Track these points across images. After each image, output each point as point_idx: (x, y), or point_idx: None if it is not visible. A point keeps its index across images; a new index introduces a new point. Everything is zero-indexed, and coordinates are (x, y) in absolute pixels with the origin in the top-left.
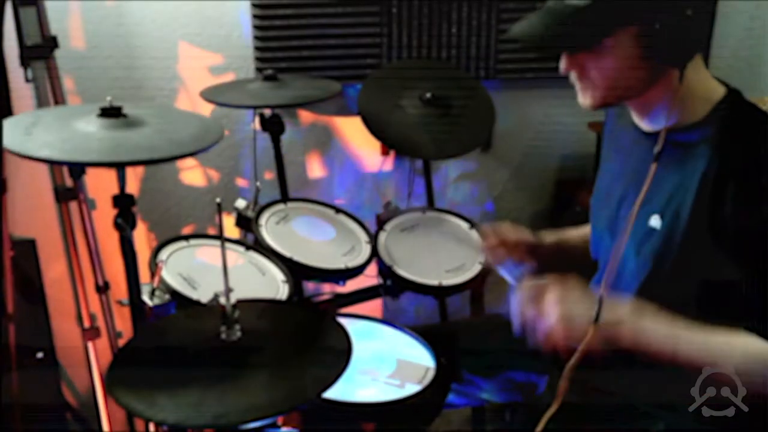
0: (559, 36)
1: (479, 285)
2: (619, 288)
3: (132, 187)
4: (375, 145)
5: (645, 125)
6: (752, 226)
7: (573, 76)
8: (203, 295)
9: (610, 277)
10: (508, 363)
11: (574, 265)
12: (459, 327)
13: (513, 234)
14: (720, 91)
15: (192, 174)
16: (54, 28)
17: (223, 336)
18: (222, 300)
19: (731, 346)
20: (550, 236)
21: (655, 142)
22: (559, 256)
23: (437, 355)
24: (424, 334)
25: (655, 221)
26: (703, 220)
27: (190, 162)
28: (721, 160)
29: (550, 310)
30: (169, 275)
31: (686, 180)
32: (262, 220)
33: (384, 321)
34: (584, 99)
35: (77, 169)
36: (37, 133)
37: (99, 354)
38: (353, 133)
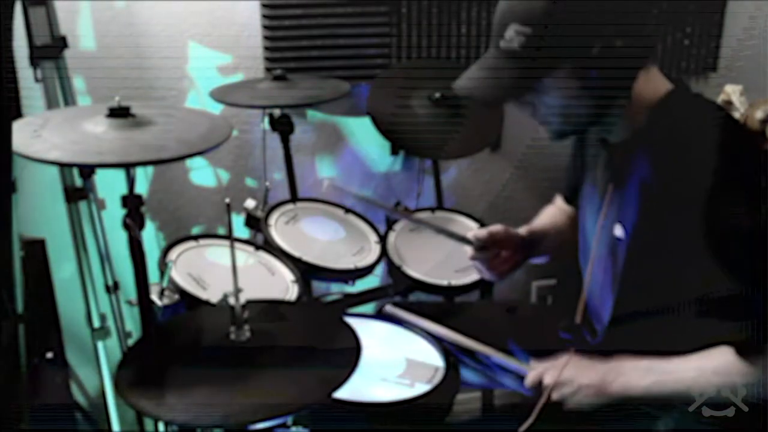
0: (497, 88)
1: (489, 284)
2: (603, 301)
3: (141, 187)
4: (384, 145)
5: (605, 136)
6: (712, 227)
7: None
8: (213, 295)
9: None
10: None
11: (547, 249)
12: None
13: (497, 231)
14: (661, 91)
15: (201, 174)
16: (63, 28)
17: (233, 336)
18: (231, 300)
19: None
20: (522, 229)
21: (612, 152)
22: (533, 244)
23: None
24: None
25: (618, 231)
26: (657, 226)
27: (199, 162)
28: (660, 163)
29: (553, 393)
30: (179, 275)
31: (632, 188)
32: (272, 220)
33: (393, 320)
34: (545, 132)
35: (87, 169)
36: (46, 134)
37: (108, 354)
38: (362, 133)
